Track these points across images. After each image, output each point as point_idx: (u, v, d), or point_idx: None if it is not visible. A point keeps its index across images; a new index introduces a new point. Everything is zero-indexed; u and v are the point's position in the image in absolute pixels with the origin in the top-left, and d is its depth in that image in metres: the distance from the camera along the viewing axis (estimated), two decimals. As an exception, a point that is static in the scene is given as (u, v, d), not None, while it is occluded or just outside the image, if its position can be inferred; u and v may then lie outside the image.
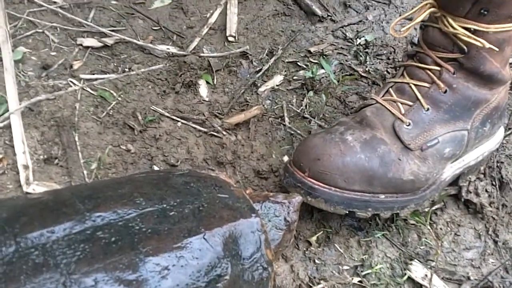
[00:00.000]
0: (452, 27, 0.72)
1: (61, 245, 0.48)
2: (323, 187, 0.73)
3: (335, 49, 1.05)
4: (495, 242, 0.84)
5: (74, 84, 0.88)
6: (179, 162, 0.83)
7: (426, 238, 0.82)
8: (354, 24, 1.10)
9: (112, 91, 0.89)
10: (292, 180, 0.75)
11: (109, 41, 0.94)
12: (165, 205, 0.56)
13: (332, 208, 0.74)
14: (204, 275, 0.51)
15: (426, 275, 0.77)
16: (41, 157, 0.79)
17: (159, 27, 1.00)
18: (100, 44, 0.94)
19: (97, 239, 0.49)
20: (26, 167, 0.77)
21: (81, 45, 0.94)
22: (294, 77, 0.99)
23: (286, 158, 0.87)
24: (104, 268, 0.47)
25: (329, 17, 1.09)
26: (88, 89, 0.88)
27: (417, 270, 0.77)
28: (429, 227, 0.83)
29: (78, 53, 0.93)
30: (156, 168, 0.81)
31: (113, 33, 0.94)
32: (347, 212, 0.74)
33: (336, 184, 0.73)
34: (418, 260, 0.79)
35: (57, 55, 0.91)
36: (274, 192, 0.69)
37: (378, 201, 0.75)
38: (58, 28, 0.94)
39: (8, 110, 0.81)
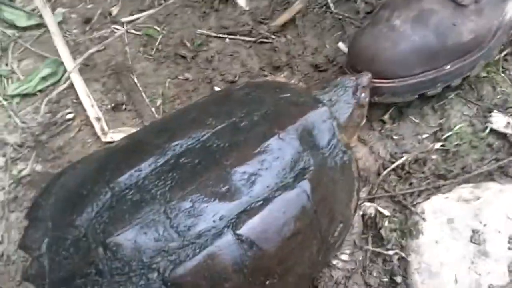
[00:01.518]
0: None
1: (151, 179, 0.51)
2: (385, 83, 0.72)
3: None
4: None
5: (118, 29, 0.89)
6: (237, 77, 0.84)
7: (501, 87, 0.79)
8: None
9: (155, 27, 0.89)
10: None
11: (137, -22, 0.94)
12: (234, 119, 0.57)
13: (401, 98, 0.74)
14: (289, 171, 0.53)
15: (508, 123, 0.75)
16: (109, 106, 0.82)
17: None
18: (130, -16, 0.94)
19: (181, 165, 0.52)
20: (98, 119, 0.80)
21: (113, -10, 0.94)
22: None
23: (340, 44, 0.86)
24: (197, 188, 0.50)
25: None
26: (133, 31, 0.89)
27: (498, 121, 0.76)
28: (502, 75, 0.80)
29: (112, -1, 0.93)
30: (217, 88, 0.83)
31: (140, -32, 0.94)
32: (417, 96, 0.74)
33: (398, 75, 0.72)
34: (498, 111, 0.77)
35: (93, 6, 0.93)
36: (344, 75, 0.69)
37: (445, 73, 0.73)
38: (86, -19, 0.95)
39: (66, 71, 0.84)
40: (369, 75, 0.69)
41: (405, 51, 0.71)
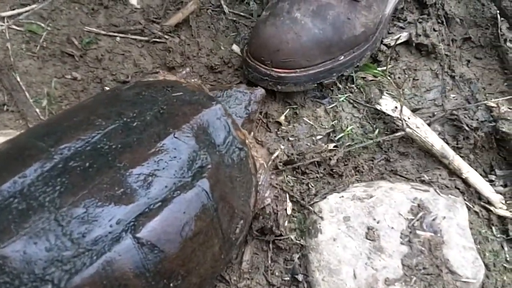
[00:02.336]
0: None
1: (38, 186, 0.47)
2: (289, 73, 0.75)
3: None
4: (453, 78, 0.86)
5: (-3, 24, 0.82)
6: (129, 78, 0.80)
7: (387, 90, 0.83)
8: None
9: (39, 23, 0.83)
10: (258, 74, 0.76)
11: (19, -29, 0.87)
12: (125, 119, 0.55)
13: (302, 87, 0.78)
14: (187, 170, 0.52)
15: (396, 107, 0.79)
16: (-12, 107, 0.76)
17: None
18: (10, -23, 0.87)
19: (71, 169, 0.48)
20: (-25, 121, 0.73)
21: (-10, -18, 0.86)
22: (222, -37, 0.94)
23: (235, 47, 0.85)
24: (90, 193, 0.47)
25: None
26: (14, 27, 0.82)
27: (387, 103, 0.79)
28: (388, 78, 0.84)
29: (-10, -9, 0.86)
30: (108, 88, 0.79)
31: (20, -39, 0.87)
32: (316, 85, 0.78)
33: (301, 65, 0.75)
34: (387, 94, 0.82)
35: (-32, -1, 0.85)
36: (239, 84, 0.70)
37: (339, 64, 0.78)
38: (-40, -30, 0.87)
39: None
40: (263, 91, 0.73)
41: (308, 43, 0.74)
